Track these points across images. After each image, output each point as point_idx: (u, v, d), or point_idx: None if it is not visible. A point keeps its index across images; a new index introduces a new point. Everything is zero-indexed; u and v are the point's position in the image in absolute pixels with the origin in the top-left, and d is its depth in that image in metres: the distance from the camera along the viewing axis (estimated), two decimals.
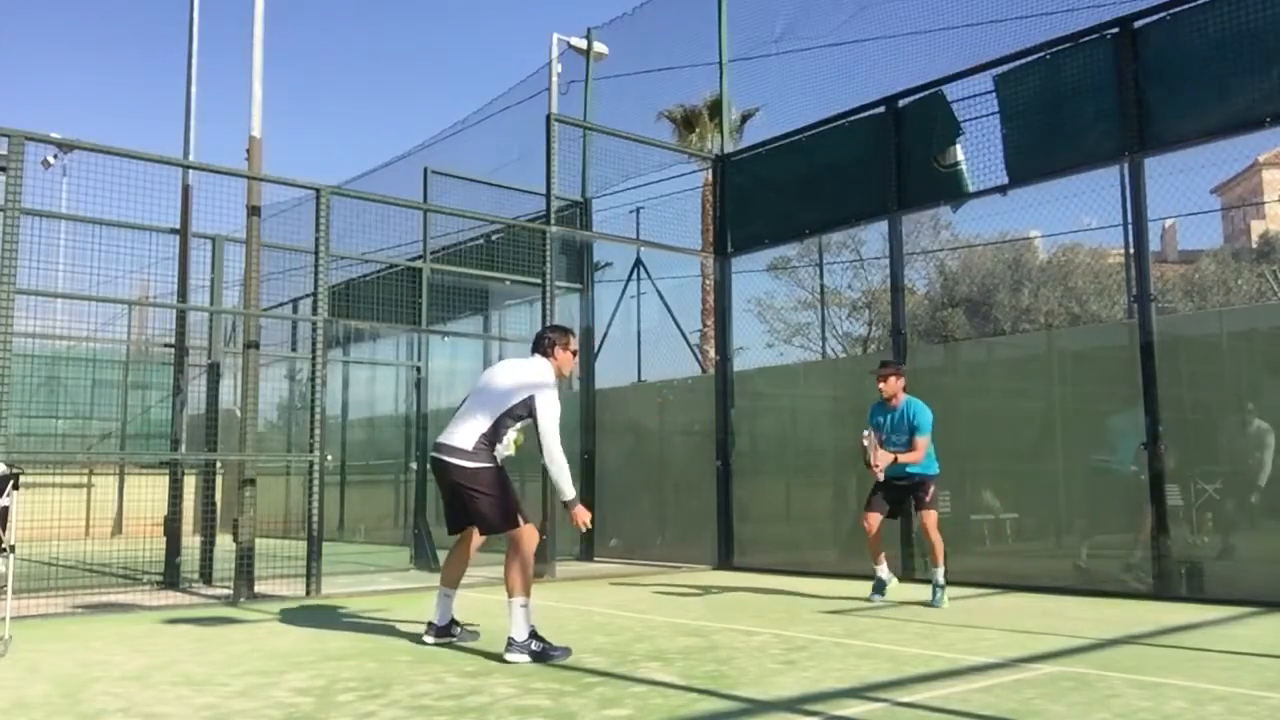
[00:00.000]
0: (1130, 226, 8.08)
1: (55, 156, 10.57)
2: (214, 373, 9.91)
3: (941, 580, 7.25)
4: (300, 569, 8.31)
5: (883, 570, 7.67)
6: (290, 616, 6.97)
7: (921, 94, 9.47)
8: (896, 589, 7.74)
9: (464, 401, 5.68)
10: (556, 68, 14.35)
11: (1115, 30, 8.16)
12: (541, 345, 5.70)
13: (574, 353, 5.81)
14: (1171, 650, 5.45)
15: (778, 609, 7.25)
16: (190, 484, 9.60)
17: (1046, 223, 23.84)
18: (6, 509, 5.56)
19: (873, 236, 16.52)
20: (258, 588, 8.18)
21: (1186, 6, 7.79)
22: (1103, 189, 8.53)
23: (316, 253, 8.65)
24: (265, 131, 8.91)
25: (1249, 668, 4.77)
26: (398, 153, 19.41)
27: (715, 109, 16.96)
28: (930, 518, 7.38)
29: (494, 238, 12.55)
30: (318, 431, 8.37)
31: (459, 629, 5.72)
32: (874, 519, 7.53)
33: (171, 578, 8.93)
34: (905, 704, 4.05)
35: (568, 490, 5.43)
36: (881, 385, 7.61)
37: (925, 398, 9.43)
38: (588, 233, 12.45)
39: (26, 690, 4.46)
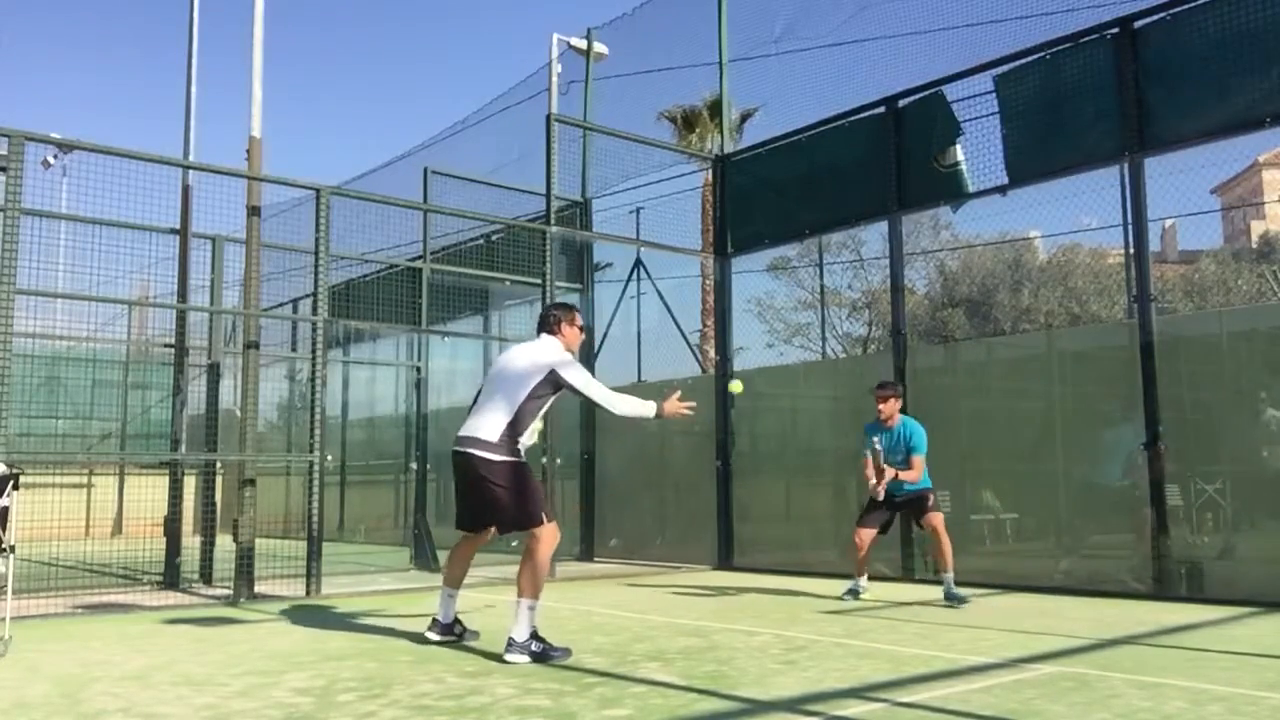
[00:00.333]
0: (1130, 226, 8.08)
1: (55, 156, 10.58)
2: (214, 373, 9.91)
3: (954, 583, 7.29)
4: (300, 569, 8.31)
5: (864, 581, 7.79)
6: (290, 616, 6.97)
7: (921, 94, 9.47)
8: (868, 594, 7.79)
9: (479, 394, 5.62)
10: (556, 68, 14.35)
11: (1115, 30, 8.16)
12: (548, 324, 5.67)
13: (581, 328, 5.78)
14: (1171, 650, 5.45)
15: (778, 609, 7.25)
16: (190, 484, 9.59)
17: (1046, 223, 23.86)
18: (7, 509, 5.56)
19: (873, 236, 16.53)
20: (258, 588, 8.18)
21: (1186, 6, 7.79)
22: (1103, 189, 8.54)
23: (316, 253, 8.65)
24: (265, 131, 8.92)
25: (1249, 668, 4.77)
26: (398, 153, 19.43)
27: (715, 109, 16.95)
28: (939, 519, 7.45)
29: (494, 238, 12.55)
30: (318, 431, 8.37)
31: (461, 628, 5.68)
32: (867, 536, 7.64)
33: (171, 578, 8.92)
34: (905, 704, 4.05)
35: (648, 410, 5.45)
36: (881, 406, 7.71)
37: (926, 398, 9.47)
38: (588, 233, 12.46)
39: (26, 690, 4.46)
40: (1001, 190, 8.96)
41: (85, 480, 14.83)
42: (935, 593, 7.99)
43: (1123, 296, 11.42)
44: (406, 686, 4.47)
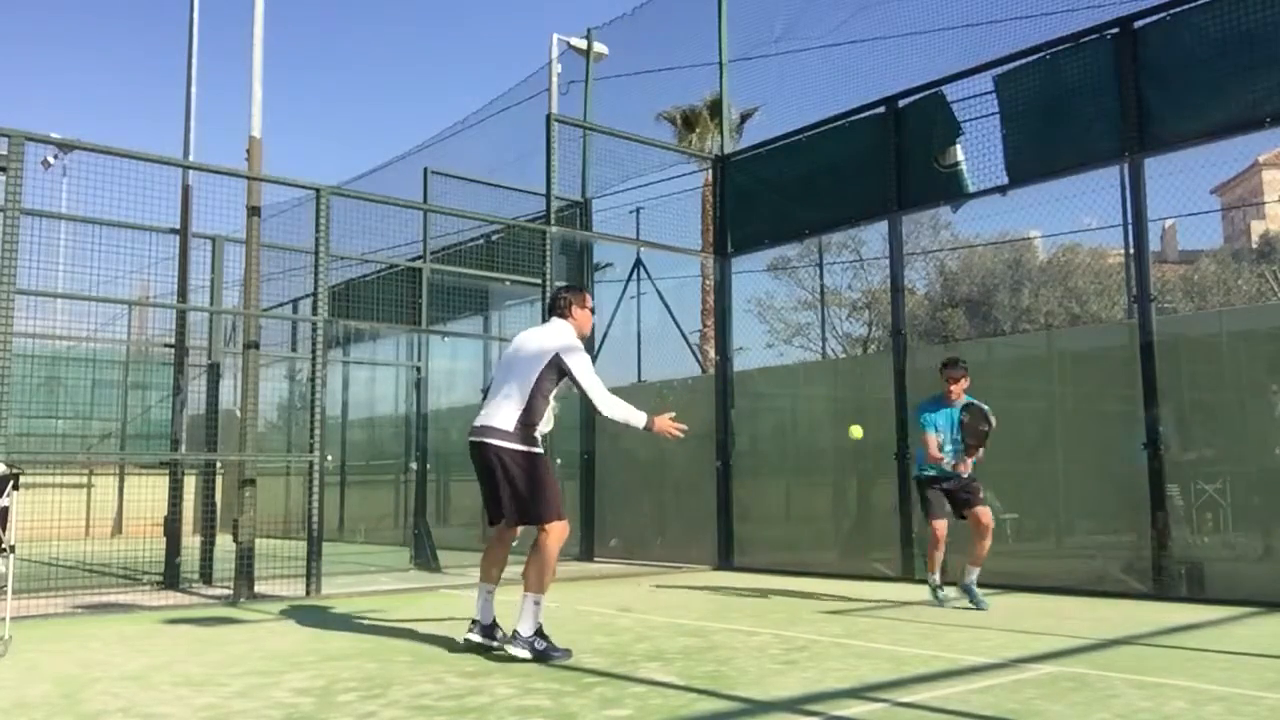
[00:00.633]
0: (1130, 226, 8.08)
1: (55, 156, 10.57)
2: (214, 373, 9.91)
3: (975, 581, 7.11)
4: (300, 569, 8.31)
5: (938, 577, 7.30)
6: (290, 616, 6.97)
7: (921, 94, 9.47)
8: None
9: (491, 383, 5.56)
10: (556, 68, 14.36)
11: (1115, 30, 8.16)
12: (558, 307, 5.60)
13: (591, 310, 5.70)
14: (1171, 650, 5.45)
15: (778, 609, 7.25)
16: (190, 484, 9.59)
17: (1046, 223, 23.85)
18: (7, 509, 5.56)
19: (873, 236, 16.54)
20: (258, 588, 8.18)
21: (1186, 7, 7.79)
22: (1103, 189, 8.54)
23: (316, 253, 8.66)
24: (265, 132, 8.92)
25: (1248, 668, 4.77)
26: (398, 153, 19.42)
27: (715, 109, 16.96)
28: (989, 514, 7.18)
29: (494, 238, 12.55)
30: (318, 431, 8.37)
31: (501, 633, 5.36)
32: (943, 527, 7.16)
33: (171, 578, 8.92)
34: (905, 704, 4.05)
35: (638, 419, 5.27)
36: (953, 387, 7.24)
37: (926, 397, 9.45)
38: (588, 233, 12.46)
39: (26, 690, 4.46)
40: (1001, 190, 8.96)
41: (85, 480, 14.83)
42: None
43: (1123, 296, 11.43)
44: (406, 686, 4.47)
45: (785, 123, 10.91)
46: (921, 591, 7.63)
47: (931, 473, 7.24)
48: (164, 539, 9.30)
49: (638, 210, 12.31)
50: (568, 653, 5.12)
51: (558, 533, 5.22)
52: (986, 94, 9.04)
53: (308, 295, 10.33)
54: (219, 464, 9.57)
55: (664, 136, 18.41)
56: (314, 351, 8.51)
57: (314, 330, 8.55)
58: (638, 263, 12.80)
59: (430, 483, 12.38)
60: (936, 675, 4.67)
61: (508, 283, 11.93)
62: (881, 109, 9.78)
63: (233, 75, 10.40)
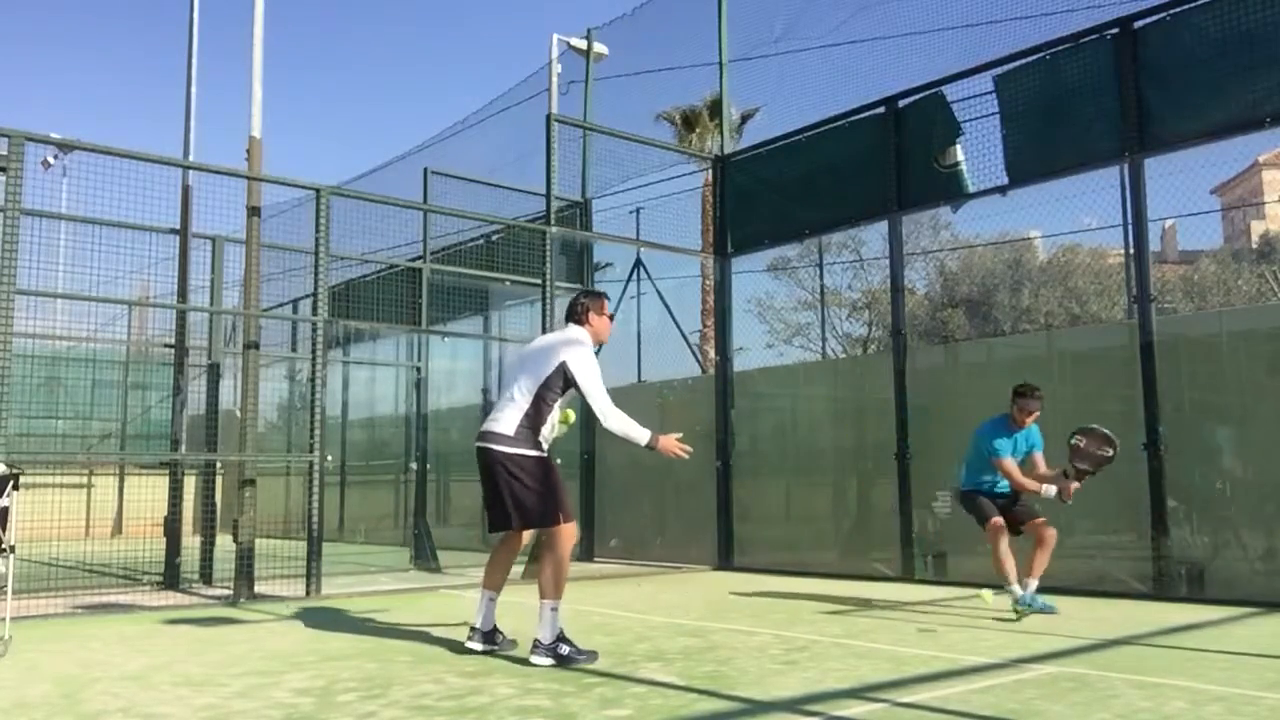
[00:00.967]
0: (1130, 227, 8.08)
1: (55, 157, 10.56)
2: (214, 373, 9.91)
3: (1035, 590, 6.76)
4: (300, 569, 8.31)
5: (1018, 586, 6.70)
6: (290, 616, 6.97)
7: (921, 94, 9.47)
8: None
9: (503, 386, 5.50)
10: (556, 68, 14.36)
11: (1115, 30, 8.16)
12: (575, 313, 5.48)
13: (610, 317, 5.59)
14: (1171, 650, 5.45)
15: (778, 609, 7.25)
16: (190, 484, 9.59)
17: (1046, 223, 23.81)
18: (6, 509, 5.56)
19: (873, 236, 16.53)
20: (258, 588, 8.18)
21: (1186, 7, 7.79)
22: (1103, 189, 8.53)
23: (316, 253, 8.65)
24: (265, 132, 8.92)
25: (1248, 668, 4.77)
26: (398, 153, 19.43)
27: (715, 109, 16.96)
28: (1051, 528, 6.82)
29: (494, 238, 12.55)
30: (318, 432, 8.37)
31: (501, 636, 5.39)
32: (1002, 523, 6.75)
33: (171, 578, 8.92)
34: (905, 704, 4.05)
35: (641, 436, 5.16)
36: (1029, 419, 6.82)
37: (926, 398, 9.47)
38: (588, 233, 12.46)
39: (26, 690, 4.46)
40: (1001, 190, 8.96)
41: (85, 480, 14.83)
42: (936, 593, 8.01)
43: (1123, 297, 11.43)
44: (406, 687, 4.47)
45: (785, 123, 10.92)
46: (922, 592, 7.61)
47: (975, 487, 6.97)
48: (164, 539, 9.30)
49: (638, 210, 12.32)
50: (593, 655, 5.02)
51: (567, 535, 5.15)
52: (986, 94, 9.04)
53: (308, 295, 10.33)
54: (219, 464, 9.57)
55: (664, 136, 18.42)
56: (314, 351, 8.51)
57: (314, 330, 8.55)
58: (638, 263, 12.80)
59: (430, 483, 12.38)
60: (937, 675, 4.68)
61: (508, 283, 11.93)
62: (881, 109, 9.78)
63: (233, 75, 10.41)
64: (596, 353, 5.53)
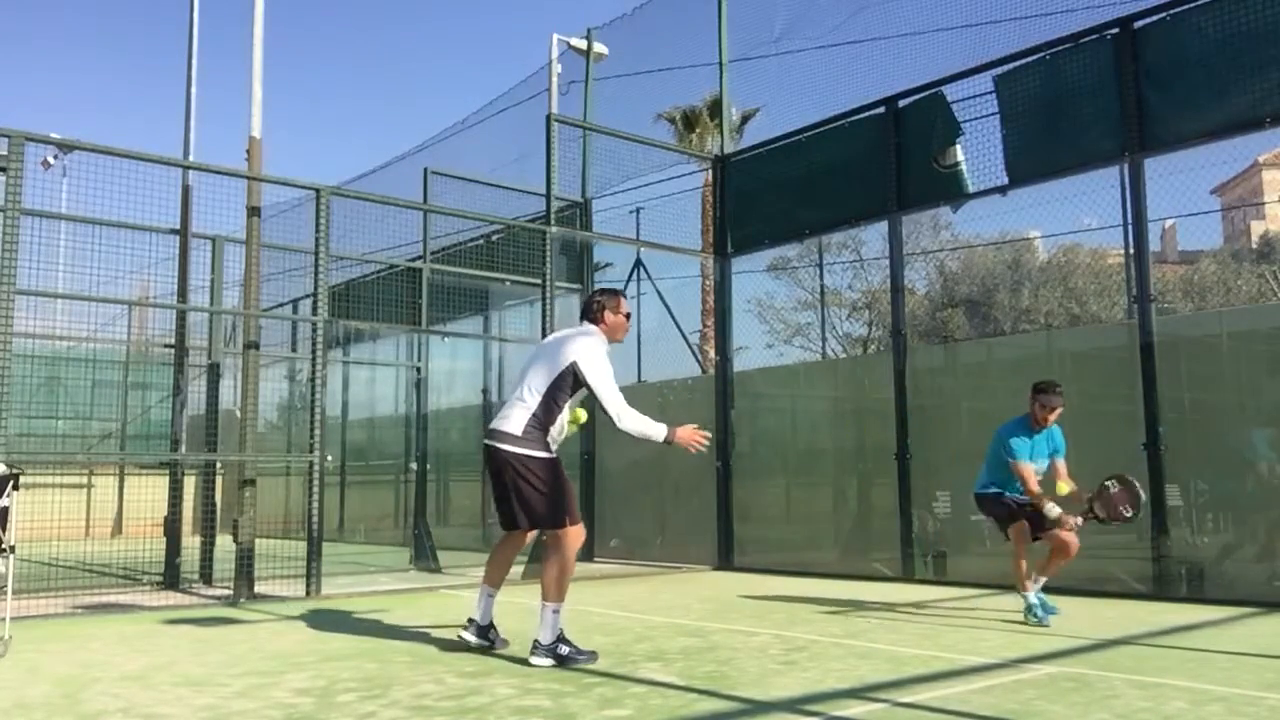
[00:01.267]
0: (1130, 227, 8.08)
1: (55, 157, 10.56)
2: (214, 373, 9.91)
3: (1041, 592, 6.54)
4: (300, 569, 8.31)
5: (1033, 593, 6.44)
6: (290, 616, 6.97)
7: (921, 94, 9.47)
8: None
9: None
10: (556, 68, 14.36)
11: (1115, 30, 8.16)
12: (589, 312, 5.39)
13: (626, 315, 5.44)
14: (1171, 650, 5.45)
15: (778, 610, 7.25)
16: (190, 484, 9.59)
17: (1046, 223, 23.84)
18: (7, 509, 5.56)
19: (873, 236, 16.51)
20: (258, 588, 8.18)
21: (1186, 7, 7.79)
22: (1103, 189, 8.53)
23: (316, 253, 8.66)
24: (265, 132, 8.93)
25: (1248, 668, 4.77)
26: (398, 153, 19.44)
27: (715, 109, 16.96)
28: (1074, 537, 6.42)
29: (494, 238, 12.54)
30: (318, 432, 8.37)
31: (495, 633, 5.41)
32: (1025, 528, 6.45)
33: (171, 578, 8.93)
34: (905, 704, 4.05)
35: (657, 432, 5.07)
36: (1050, 416, 6.47)
37: (926, 398, 9.47)
38: (588, 233, 12.46)
39: (26, 690, 4.46)
40: (1001, 190, 8.96)
41: (85, 480, 14.83)
42: (936, 593, 8.01)
43: (1123, 297, 11.42)
44: (406, 687, 4.47)
45: (785, 123, 10.93)
46: (922, 592, 7.62)
47: (996, 490, 6.68)
48: (164, 539, 9.31)
49: (638, 210, 12.32)
50: (593, 655, 5.01)
51: (572, 537, 5.11)
52: (986, 94, 9.04)
53: (308, 295, 10.33)
54: (219, 464, 9.57)
55: (664, 136, 18.42)
56: (314, 351, 8.51)
57: (314, 330, 8.55)
58: (638, 263, 12.80)
59: (430, 483, 12.38)
60: (936, 675, 4.68)
61: (508, 283, 11.93)
62: (881, 109, 9.78)
63: (233, 75, 10.40)
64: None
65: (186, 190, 9.58)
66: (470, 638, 5.34)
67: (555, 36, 14.46)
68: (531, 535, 5.63)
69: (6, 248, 6.99)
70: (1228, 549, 7.73)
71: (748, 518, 10.92)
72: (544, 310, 9.81)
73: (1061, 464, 6.62)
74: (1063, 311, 19.39)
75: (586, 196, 12.47)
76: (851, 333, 22.60)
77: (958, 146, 9.21)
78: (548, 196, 10.02)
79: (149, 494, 10.91)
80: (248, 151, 8.85)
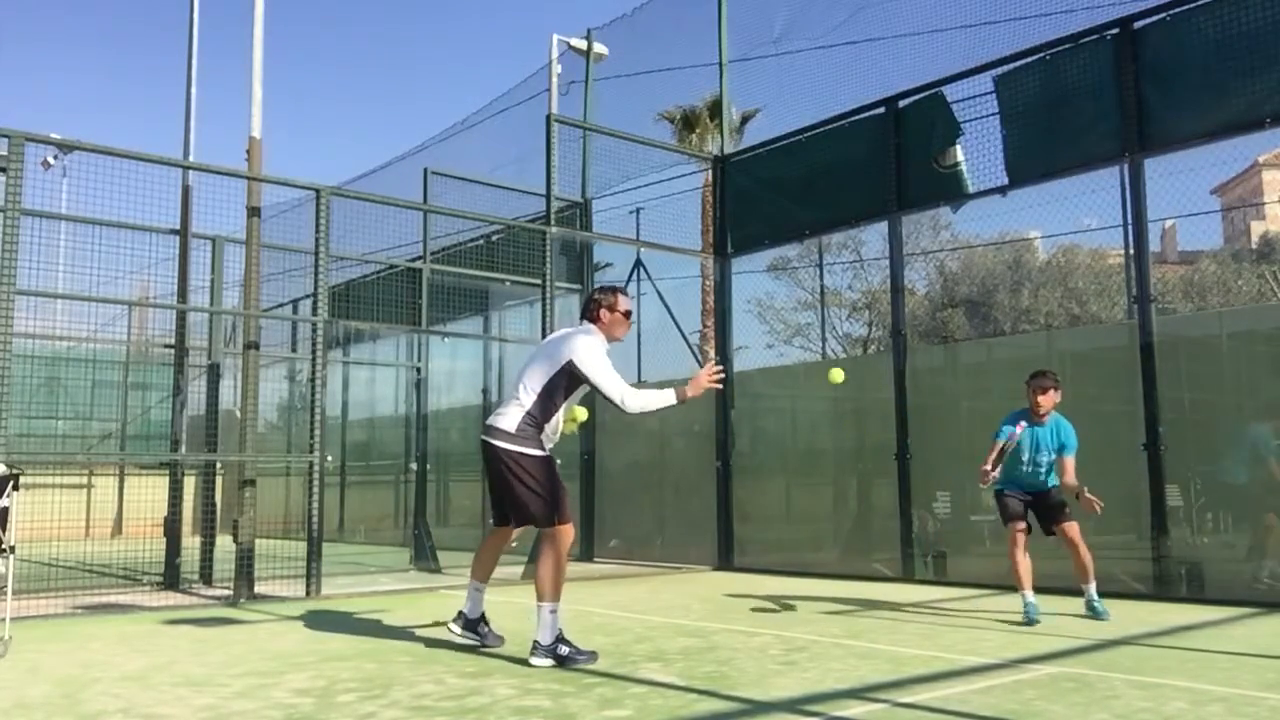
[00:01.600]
0: (1130, 227, 8.09)
1: (55, 157, 10.58)
2: (214, 373, 9.91)
3: (1096, 594, 6.60)
4: (300, 569, 8.30)
5: (1029, 593, 6.49)
6: (290, 617, 6.97)
7: (921, 94, 9.47)
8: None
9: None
10: (556, 68, 14.36)
11: (1115, 31, 8.16)
12: (588, 310, 5.37)
13: (626, 313, 5.37)
14: (1171, 651, 5.45)
15: (777, 610, 7.25)
16: (190, 484, 9.59)
17: (1046, 223, 23.83)
18: (7, 509, 5.56)
19: (873, 237, 16.54)
20: (258, 588, 8.18)
21: (1186, 7, 7.79)
22: (1103, 189, 8.54)
23: (316, 253, 8.65)
24: (265, 132, 8.93)
25: (1248, 668, 4.77)
26: (398, 153, 19.44)
27: (715, 109, 16.96)
28: (1075, 528, 6.62)
29: (494, 238, 12.54)
30: (318, 432, 8.37)
31: (487, 629, 5.44)
32: (1023, 538, 6.57)
33: (171, 578, 8.92)
34: (905, 705, 4.05)
35: (668, 399, 5.08)
36: (1041, 399, 6.60)
37: (926, 398, 9.47)
38: (588, 233, 12.46)
39: (27, 691, 4.46)
40: (1001, 191, 8.96)
41: (85, 480, 14.82)
42: (936, 593, 8.01)
43: (1123, 297, 11.43)
44: (406, 687, 4.47)
45: (785, 123, 10.93)
46: (922, 592, 7.61)
47: (998, 488, 6.76)
48: (164, 539, 9.30)
49: (638, 210, 12.32)
50: (593, 655, 5.00)
51: (562, 536, 5.11)
52: (986, 94, 9.04)
53: (308, 295, 10.33)
54: (219, 464, 9.57)
55: (664, 137, 18.41)
56: (314, 352, 8.51)
57: (314, 330, 8.55)
58: (638, 263, 12.79)
59: (430, 483, 12.37)
60: (936, 676, 4.68)
61: (508, 283, 11.93)
62: (881, 109, 9.78)
63: (233, 75, 10.40)
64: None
65: (186, 190, 9.58)
66: (456, 629, 5.39)
67: (555, 37, 14.47)
68: (519, 532, 5.61)
69: (6, 248, 6.99)
70: (1228, 550, 7.73)
71: (748, 518, 10.92)
72: (544, 310, 9.81)
73: (1069, 461, 6.59)
74: (1063, 312, 19.40)
75: (586, 197, 12.47)
76: (851, 333, 22.62)
77: (958, 147, 9.22)
78: (548, 197, 10.02)
79: (149, 494, 10.91)
80: (248, 152, 8.84)
